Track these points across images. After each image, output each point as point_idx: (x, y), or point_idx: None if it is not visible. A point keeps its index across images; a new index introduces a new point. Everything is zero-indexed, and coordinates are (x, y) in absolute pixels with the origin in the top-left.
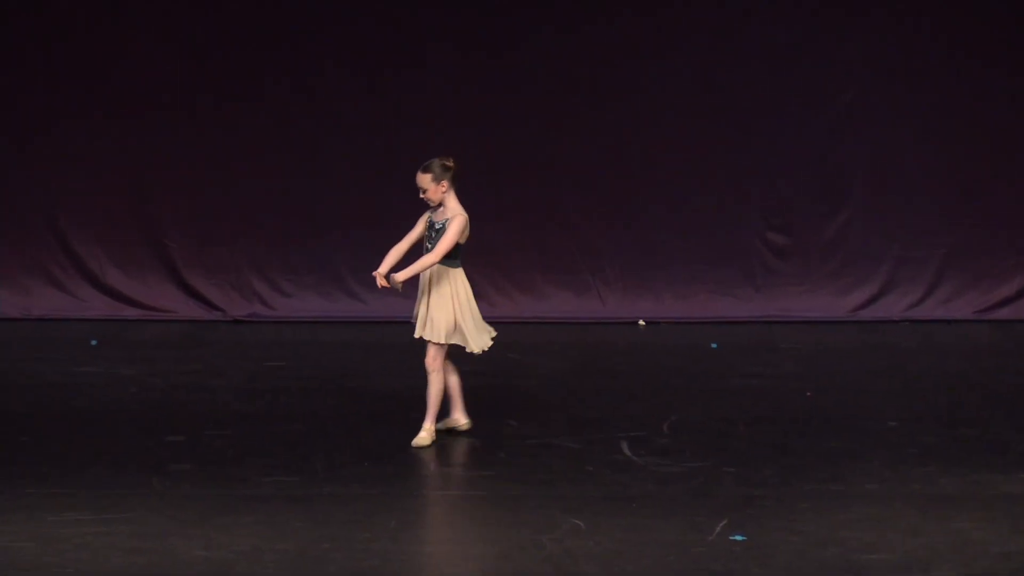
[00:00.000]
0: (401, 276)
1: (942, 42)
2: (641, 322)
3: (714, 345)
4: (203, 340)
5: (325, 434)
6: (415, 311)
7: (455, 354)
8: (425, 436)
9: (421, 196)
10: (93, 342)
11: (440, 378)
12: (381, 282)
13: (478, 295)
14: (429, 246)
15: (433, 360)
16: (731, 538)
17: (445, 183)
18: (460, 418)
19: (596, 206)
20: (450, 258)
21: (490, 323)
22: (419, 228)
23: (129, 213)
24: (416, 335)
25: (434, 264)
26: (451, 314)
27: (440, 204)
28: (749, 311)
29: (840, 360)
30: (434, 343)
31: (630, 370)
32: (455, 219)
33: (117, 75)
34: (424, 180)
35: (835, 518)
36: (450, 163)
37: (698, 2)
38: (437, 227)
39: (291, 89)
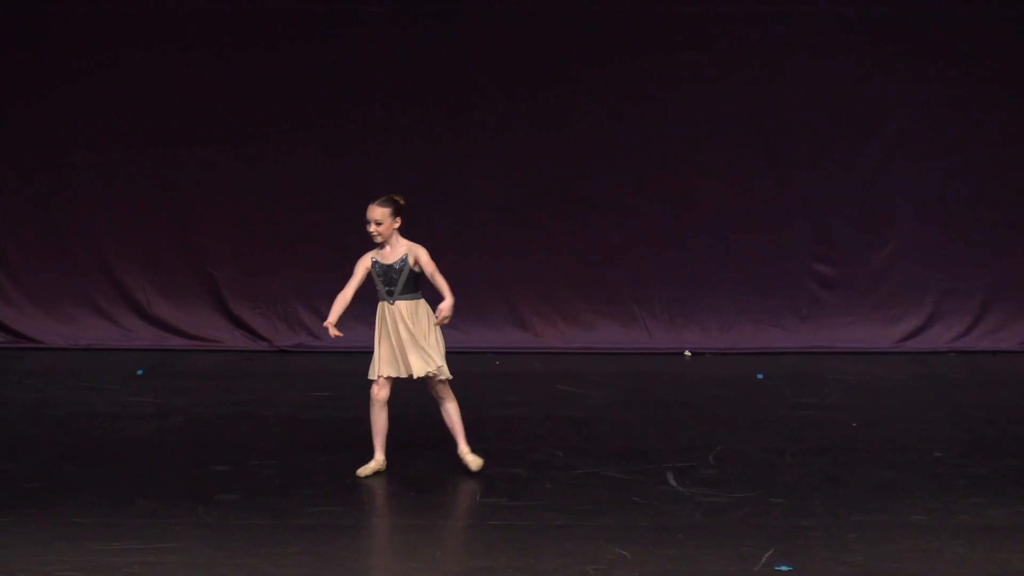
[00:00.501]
0: (448, 313)
1: (987, 75)
2: (687, 353)
3: (760, 376)
4: (249, 370)
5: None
6: (383, 352)
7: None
8: (473, 460)
9: (371, 230)
10: (140, 372)
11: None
12: (334, 332)
13: (526, 326)
14: (387, 288)
15: (447, 388)
16: (777, 568)
17: (399, 219)
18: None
19: (642, 237)
20: (417, 289)
21: (536, 354)
22: (360, 273)
23: (175, 243)
24: (418, 375)
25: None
26: (440, 342)
27: (385, 243)
28: (795, 342)
29: (886, 391)
30: (444, 377)
31: (676, 401)
32: (420, 249)
33: (164, 108)
34: (381, 214)
35: (882, 549)
36: (402, 200)
37: (744, 36)
38: (396, 266)
39: (337, 123)
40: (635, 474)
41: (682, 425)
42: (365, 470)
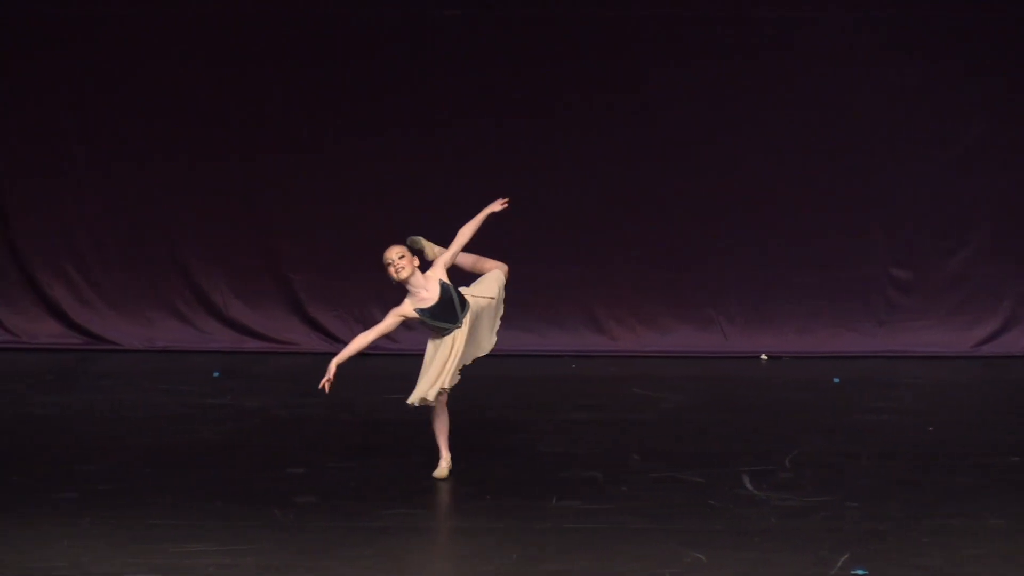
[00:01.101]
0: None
1: None
2: (763, 356)
3: (836, 380)
4: (325, 373)
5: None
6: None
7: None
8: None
9: (393, 270)
10: (216, 374)
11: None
12: (332, 373)
13: (602, 329)
14: (445, 327)
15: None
16: (853, 573)
17: (416, 259)
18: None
19: (719, 241)
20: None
21: (612, 357)
22: (390, 322)
23: (253, 247)
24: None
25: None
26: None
27: (410, 284)
28: (872, 346)
29: (963, 395)
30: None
31: (752, 404)
32: (442, 279)
33: (242, 113)
34: (396, 256)
35: (959, 553)
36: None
37: (819, 40)
38: (444, 296)
39: (415, 129)
40: (711, 478)
41: (758, 429)
42: (440, 472)
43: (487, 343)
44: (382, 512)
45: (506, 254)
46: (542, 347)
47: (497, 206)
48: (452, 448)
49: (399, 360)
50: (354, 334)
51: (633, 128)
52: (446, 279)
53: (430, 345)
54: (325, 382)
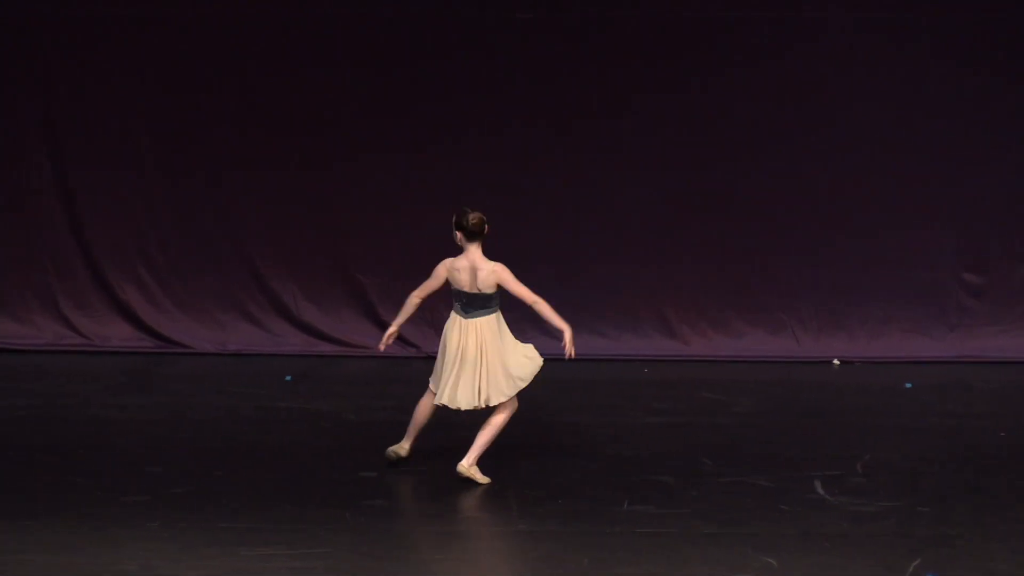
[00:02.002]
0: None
1: None
2: (835, 361)
3: (908, 385)
4: (397, 376)
5: (518, 470)
6: (459, 374)
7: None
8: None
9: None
10: (287, 377)
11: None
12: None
13: (675, 333)
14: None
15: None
16: None
17: (458, 234)
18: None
19: (791, 245)
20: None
21: (685, 362)
22: (438, 274)
23: (325, 250)
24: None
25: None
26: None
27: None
28: (943, 351)
29: None
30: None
31: (824, 409)
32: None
33: (312, 118)
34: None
35: None
36: (472, 219)
37: (889, 42)
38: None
39: (485, 132)
40: (782, 482)
41: (830, 434)
42: (391, 451)
43: (462, 392)
44: (453, 515)
45: (573, 260)
46: (615, 351)
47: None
48: (524, 449)
49: None
50: (425, 337)
51: (705, 130)
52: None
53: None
54: (384, 343)
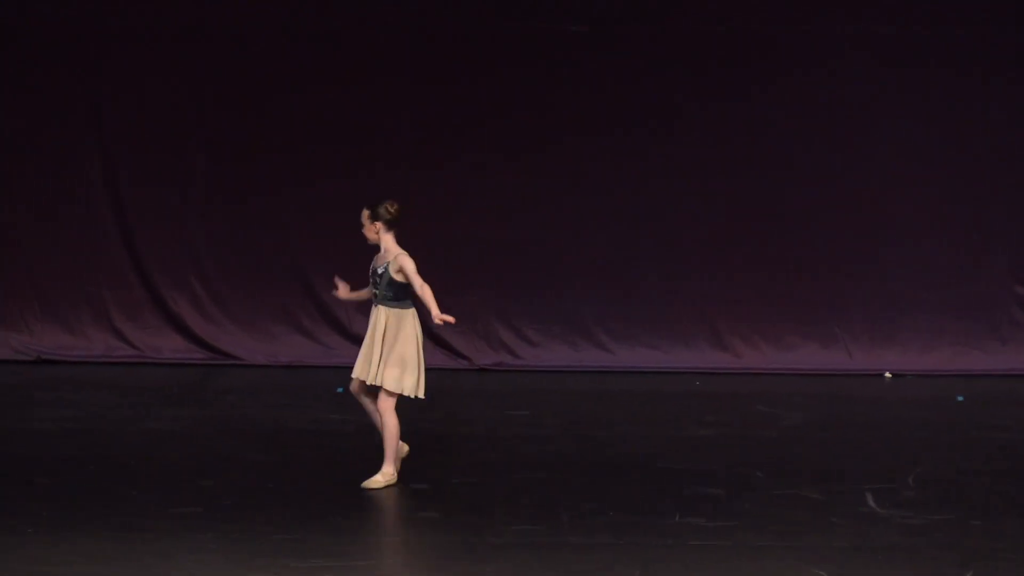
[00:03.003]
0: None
1: None
2: (887, 374)
3: (960, 398)
4: (448, 388)
5: (569, 483)
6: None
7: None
8: (381, 479)
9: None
10: (339, 390)
11: (395, 418)
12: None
13: (725, 346)
14: (376, 292)
15: (389, 402)
16: None
17: (378, 224)
18: (403, 445)
19: (843, 258)
20: (404, 299)
21: (736, 375)
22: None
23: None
24: (370, 381)
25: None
26: (416, 360)
27: (377, 246)
28: (995, 364)
29: None
30: (391, 391)
31: (876, 422)
32: (400, 257)
33: (365, 130)
34: (363, 216)
35: None
36: (392, 208)
37: (942, 57)
38: (379, 271)
39: (536, 146)
40: (833, 495)
41: (881, 447)
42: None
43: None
44: (504, 527)
45: (626, 271)
46: (666, 364)
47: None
48: (574, 462)
49: (519, 376)
50: (477, 350)
51: (757, 143)
52: (391, 268)
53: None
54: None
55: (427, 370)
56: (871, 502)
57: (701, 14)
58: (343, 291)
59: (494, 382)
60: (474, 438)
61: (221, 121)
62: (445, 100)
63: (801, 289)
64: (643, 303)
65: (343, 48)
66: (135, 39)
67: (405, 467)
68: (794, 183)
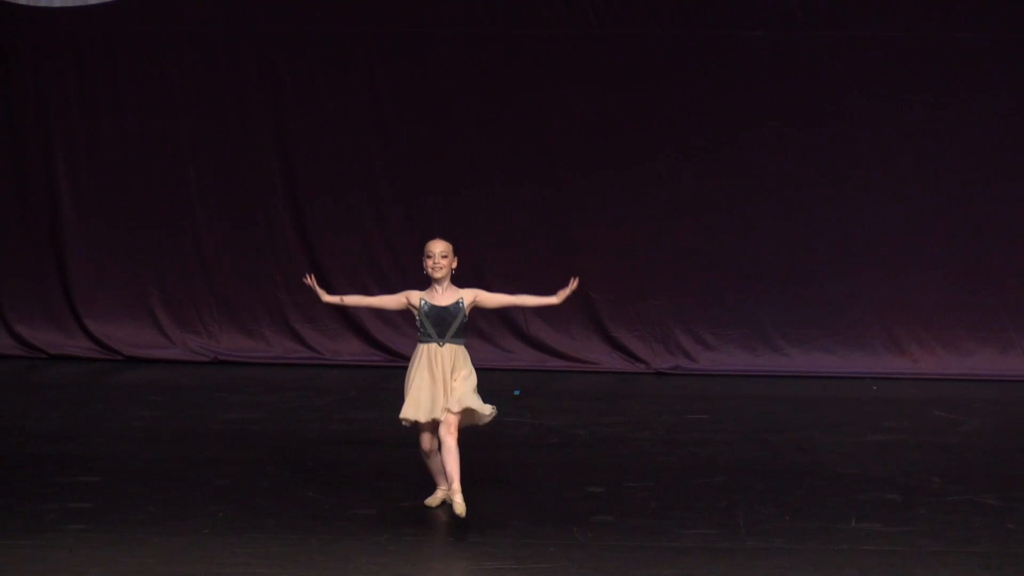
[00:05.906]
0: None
1: None
2: None
3: None
4: (626, 392)
5: (746, 487)
6: (426, 393)
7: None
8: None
9: (432, 263)
10: (516, 392)
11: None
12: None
13: (903, 351)
14: (436, 330)
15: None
16: None
17: (455, 262)
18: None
19: (1021, 262)
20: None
21: (913, 380)
22: (399, 300)
23: (554, 265)
24: (456, 410)
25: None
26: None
27: (437, 282)
28: None
29: None
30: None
31: None
32: (472, 291)
33: (545, 137)
34: (445, 247)
35: None
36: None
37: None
38: (450, 309)
39: (716, 147)
40: (1011, 501)
41: None
42: (433, 500)
43: (464, 398)
44: (682, 531)
45: (805, 275)
46: (843, 369)
47: (565, 293)
48: (751, 466)
49: (695, 380)
50: (655, 353)
51: (936, 147)
52: (465, 303)
53: (412, 363)
54: (312, 284)
55: (599, 373)
56: None
57: (890, 20)
58: (324, 294)
59: (671, 386)
60: (651, 441)
61: (401, 127)
62: (622, 105)
63: (979, 294)
64: (820, 307)
65: (521, 56)
66: (314, 44)
67: (581, 470)
68: (976, 185)
